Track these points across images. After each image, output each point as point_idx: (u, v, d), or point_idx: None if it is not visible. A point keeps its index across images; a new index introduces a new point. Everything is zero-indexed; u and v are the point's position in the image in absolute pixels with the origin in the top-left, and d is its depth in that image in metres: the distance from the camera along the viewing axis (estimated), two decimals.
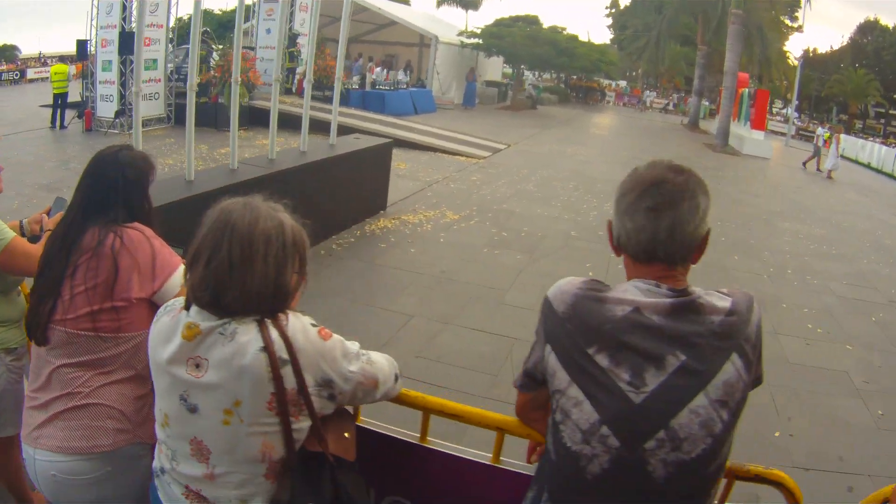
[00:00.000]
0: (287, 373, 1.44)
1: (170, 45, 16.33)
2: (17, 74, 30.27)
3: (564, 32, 30.87)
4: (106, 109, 15.26)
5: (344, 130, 12.05)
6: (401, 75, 23.13)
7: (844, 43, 55.00)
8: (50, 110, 15.94)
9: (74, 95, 16.57)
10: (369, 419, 2.02)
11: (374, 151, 9.02)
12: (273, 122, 7.51)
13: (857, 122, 51.38)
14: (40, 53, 38.96)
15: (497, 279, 7.03)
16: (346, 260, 7.31)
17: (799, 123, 45.85)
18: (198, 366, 1.45)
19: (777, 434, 4.72)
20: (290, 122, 12.59)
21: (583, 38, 36.80)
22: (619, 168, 15.68)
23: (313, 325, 1.52)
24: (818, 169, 21.08)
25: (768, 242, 10.40)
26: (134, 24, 14.67)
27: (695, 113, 31.72)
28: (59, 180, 9.64)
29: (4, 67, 31.71)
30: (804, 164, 21.87)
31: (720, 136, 25.08)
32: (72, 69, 18.58)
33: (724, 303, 1.34)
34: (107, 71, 15.36)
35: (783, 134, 38.16)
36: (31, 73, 30.89)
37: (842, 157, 30.39)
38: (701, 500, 1.33)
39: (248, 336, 1.43)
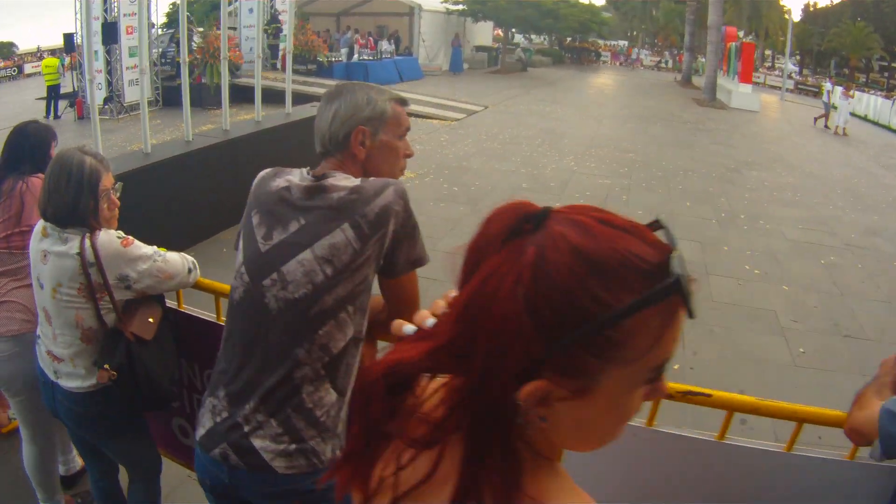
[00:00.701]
0: (94, 271, 2.05)
1: (157, 31, 16.88)
2: (14, 70, 30.82)
3: None
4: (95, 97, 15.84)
5: (309, 101, 12.72)
6: (385, 45, 23.43)
7: None
8: (45, 102, 16.57)
9: (69, 86, 17.18)
10: None
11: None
12: (257, 96, 8.06)
13: (860, 76, 50.55)
14: (38, 48, 39.51)
15: (435, 229, 7.47)
16: None
17: (798, 78, 45.46)
18: (45, 256, 2.11)
19: (676, 367, 4.94)
20: (275, 97, 13.13)
21: None
22: (591, 123, 16.10)
23: (119, 238, 2.11)
24: (826, 126, 20.83)
25: (728, 190, 10.66)
26: (115, 15, 15.27)
27: (687, 69, 31.61)
28: None
29: (1, 64, 32.28)
30: (815, 120, 21.53)
31: (707, 90, 25.25)
32: (64, 61, 19.23)
33: (347, 183, 1.63)
34: (95, 61, 15.95)
35: (782, 88, 38.05)
36: (28, 69, 31.28)
37: (835, 107, 30.40)
38: (306, 337, 1.59)
39: (72, 243, 2.06)
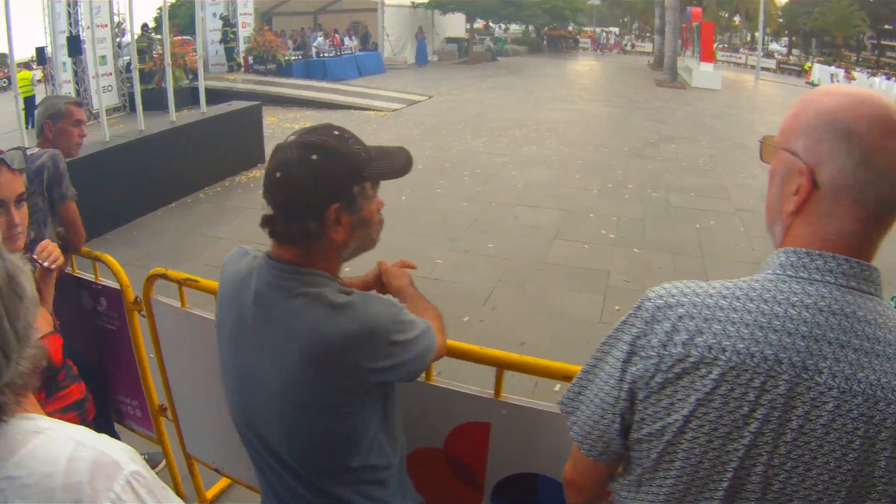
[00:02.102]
0: None
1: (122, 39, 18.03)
2: (5, 81, 31.83)
3: None
4: None
5: (270, 100, 13.89)
6: (346, 41, 24.37)
7: None
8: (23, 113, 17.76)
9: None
10: None
11: (241, 113, 10.40)
12: (170, 99, 9.04)
13: (851, 54, 50.40)
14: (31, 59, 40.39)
15: None
16: (202, 204, 8.75)
17: (780, 58, 45.67)
18: None
19: (466, 319, 5.22)
20: (233, 97, 14.31)
21: None
22: (528, 107, 16.72)
23: None
24: None
25: (631, 163, 11.08)
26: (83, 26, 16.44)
27: (659, 51, 31.72)
28: None
29: None
30: None
31: (668, 71, 25.68)
32: (36, 74, 20.39)
33: None
34: (64, 72, 17.16)
35: (765, 69, 38.38)
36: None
37: (814, 85, 30.70)
38: None
39: None
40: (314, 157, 1.37)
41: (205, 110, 10.34)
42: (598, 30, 49.49)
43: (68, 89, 16.86)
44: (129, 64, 18.32)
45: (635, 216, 8.27)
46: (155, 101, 16.00)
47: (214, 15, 21.03)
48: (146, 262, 6.09)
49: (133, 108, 17.49)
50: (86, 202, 3.34)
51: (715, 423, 0.98)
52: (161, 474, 3.18)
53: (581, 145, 12.38)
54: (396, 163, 1.53)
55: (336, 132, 1.44)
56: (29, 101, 17.49)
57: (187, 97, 16.62)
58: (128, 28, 17.76)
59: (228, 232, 7.56)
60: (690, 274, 6.22)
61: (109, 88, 17.51)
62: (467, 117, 15.07)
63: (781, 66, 40.76)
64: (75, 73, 16.86)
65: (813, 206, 1.01)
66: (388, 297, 1.62)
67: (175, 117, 9.62)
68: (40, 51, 18.53)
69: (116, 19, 17.94)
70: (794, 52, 53.07)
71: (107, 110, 16.92)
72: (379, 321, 1.39)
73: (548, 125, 14.25)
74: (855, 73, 20.59)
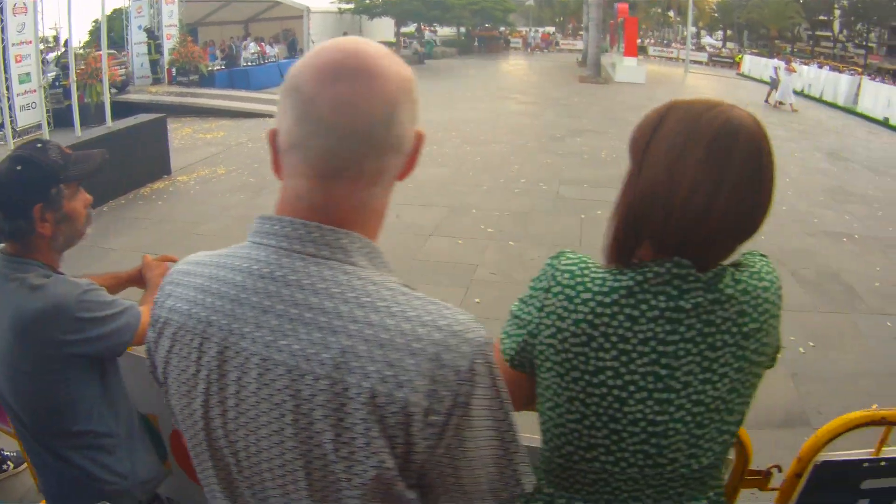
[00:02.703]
0: None
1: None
2: None
3: None
4: None
5: (190, 111, 14.12)
6: (269, 49, 24.50)
7: None
8: None
9: None
10: None
11: (145, 126, 10.62)
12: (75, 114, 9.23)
13: (786, 45, 51.92)
14: None
15: (212, 215, 8.68)
16: (103, 216, 8.76)
17: (712, 51, 46.96)
18: None
19: None
20: (159, 110, 14.45)
21: None
22: (443, 108, 16.75)
23: None
24: (766, 101, 20.58)
25: (530, 157, 11.54)
26: None
27: (586, 48, 32.28)
28: None
29: None
30: (766, 100, 20.78)
31: (591, 66, 26.26)
32: None
33: None
34: None
35: (697, 62, 39.35)
36: None
37: (745, 76, 31.67)
38: None
39: None
40: (18, 167, 1.70)
41: (110, 125, 10.59)
42: (528, 29, 50.30)
43: None
44: (54, 80, 18.32)
45: (520, 210, 8.62)
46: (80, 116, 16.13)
47: (140, 27, 21.04)
48: None
49: (58, 125, 17.51)
50: None
51: (177, 382, 0.97)
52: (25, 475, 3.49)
53: (484, 143, 12.79)
54: (91, 166, 1.84)
55: (39, 145, 1.79)
56: None
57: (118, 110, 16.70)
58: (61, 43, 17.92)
59: (123, 243, 7.78)
60: None
61: (33, 105, 17.44)
62: None
63: (713, 58, 41.99)
64: None
65: (282, 171, 0.96)
66: (84, 280, 1.84)
67: (80, 132, 9.87)
68: None
69: (52, 33, 17.85)
70: (730, 45, 54.58)
71: (30, 127, 16.97)
72: (64, 300, 1.67)
73: (456, 125, 14.59)
74: (795, 65, 20.81)
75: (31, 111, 17.24)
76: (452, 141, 12.98)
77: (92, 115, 16.90)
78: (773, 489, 1.79)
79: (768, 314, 1.22)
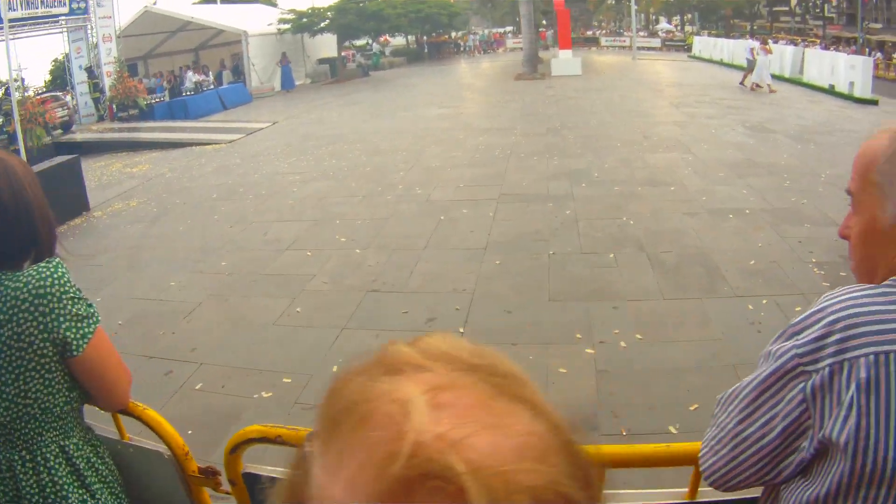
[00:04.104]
0: None
1: None
2: None
3: None
4: None
5: (130, 146, 15.36)
6: (208, 76, 25.60)
7: None
8: None
9: None
10: None
11: (60, 168, 11.71)
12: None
13: (745, 24, 52.55)
14: None
15: (109, 246, 9.48)
16: None
17: (664, 35, 47.76)
18: None
19: (161, 333, 6.26)
20: (101, 147, 15.59)
21: None
22: (363, 120, 17.77)
23: None
24: (742, 83, 20.42)
25: (421, 162, 12.18)
26: None
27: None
28: None
29: None
30: (741, 82, 20.56)
31: (526, 63, 26.81)
32: None
33: None
34: None
35: (650, 48, 40.29)
36: None
37: (695, 57, 32.57)
38: None
39: None
40: None
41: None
42: (467, 33, 51.19)
43: None
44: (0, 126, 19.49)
45: (381, 217, 9.00)
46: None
47: (80, 67, 22.22)
48: None
49: None
50: None
51: None
52: None
53: (381, 152, 13.42)
54: None
55: None
56: None
57: (50, 153, 17.72)
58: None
59: None
60: (394, 267, 7.08)
61: None
62: (295, 139, 16.24)
63: (666, 43, 42.78)
64: None
65: None
66: None
67: None
68: None
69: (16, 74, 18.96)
70: (688, 28, 55.38)
71: None
72: None
73: (365, 136, 15.38)
74: (770, 46, 20.43)
75: None
76: (353, 153, 13.71)
77: (35, 157, 18.06)
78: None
79: (17, 308, 1.52)
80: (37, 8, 19.12)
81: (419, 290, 6.52)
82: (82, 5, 21.29)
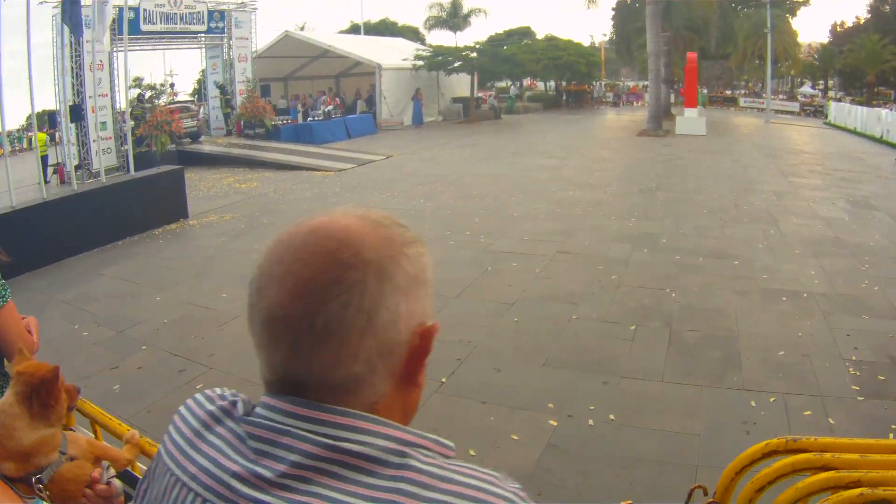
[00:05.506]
0: None
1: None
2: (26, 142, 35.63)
3: (525, 41, 32.78)
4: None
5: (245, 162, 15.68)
6: (329, 107, 26.20)
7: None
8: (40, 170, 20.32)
9: (54, 158, 20.91)
10: None
11: (163, 176, 12.28)
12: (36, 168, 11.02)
13: (890, 91, 49.03)
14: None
15: (188, 254, 9.93)
16: (116, 249, 10.53)
17: (804, 100, 45.25)
18: None
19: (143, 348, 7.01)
20: (224, 161, 16.22)
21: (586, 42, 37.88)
22: (472, 164, 17.60)
23: None
24: None
25: (499, 212, 11.64)
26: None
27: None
28: None
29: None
30: None
31: (651, 119, 25.92)
32: (54, 136, 23.16)
33: None
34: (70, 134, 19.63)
35: (788, 112, 38.36)
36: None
37: (830, 124, 30.46)
38: None
39: None
40: None
41: (133, 174, 12.23)
42: (605, 83, 50.15)
43: (73, 151, 19.25)
44: (134, 129, 20.71)
45: (433, 261, 9.10)
46: (146, 163, 18.25)
47: (214, 83, 23.40)
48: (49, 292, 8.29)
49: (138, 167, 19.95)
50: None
51: None
52: None
53: (468, 197, 13.10)
54: None
55: None
56: (44, 160, 19.90)
57: (173, 159, 18.65)
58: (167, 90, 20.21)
59: (112, 271, 9.30)
60: None
61: (109, 150, 19.78)
62: (398, 174, 16.34)
63: (804, 108, 40.62)
64: (78, 136, 19.14)
65: None
66: None
67: (105, 179, 11.53)
68: (51, 116, 21.19)
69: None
70: (831, 93, 52.42)
71: (107, 169, 19.27)
72: None
73: (462, 179, 15.23)
74: None
75: (107, 155, 19.63)
76: (443, 195, 13.57)
77: (157, 161, 19.01)
78: None
79: None
80: (175, 24, 20.24)
81: None
82: (220, 25, 22.52)
